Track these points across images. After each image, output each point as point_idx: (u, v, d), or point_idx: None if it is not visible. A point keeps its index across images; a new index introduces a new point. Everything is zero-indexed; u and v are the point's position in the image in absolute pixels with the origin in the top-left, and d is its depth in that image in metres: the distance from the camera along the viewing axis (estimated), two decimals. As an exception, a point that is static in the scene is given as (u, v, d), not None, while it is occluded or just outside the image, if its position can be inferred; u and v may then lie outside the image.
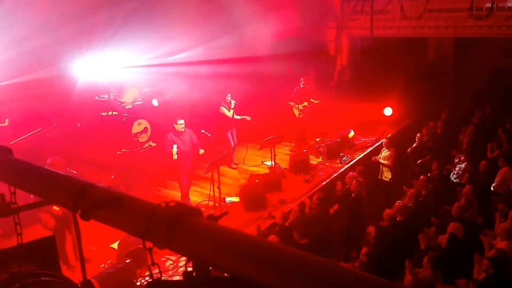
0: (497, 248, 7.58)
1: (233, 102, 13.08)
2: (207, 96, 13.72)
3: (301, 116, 14.69)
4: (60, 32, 10.90)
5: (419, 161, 12.84)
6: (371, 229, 9.35)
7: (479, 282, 6.89)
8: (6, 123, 10.69)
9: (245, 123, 13.46)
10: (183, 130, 10.81)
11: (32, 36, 10.18)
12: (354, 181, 10.58)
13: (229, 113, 13.11)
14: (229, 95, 13.13)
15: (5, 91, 10.33)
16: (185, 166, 11.04)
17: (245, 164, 13.64)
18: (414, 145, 13.37)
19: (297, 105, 14.58)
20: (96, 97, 12.55)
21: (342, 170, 12.92)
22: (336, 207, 10.54)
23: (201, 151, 11.02)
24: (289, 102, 14.77)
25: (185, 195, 11.27)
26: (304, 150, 14.14)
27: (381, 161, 12.13)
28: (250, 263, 1.40)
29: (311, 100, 14.75)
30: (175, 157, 10.67)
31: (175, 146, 10.70)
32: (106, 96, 12.50)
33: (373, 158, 12.55)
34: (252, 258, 1.40)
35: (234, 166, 13.57)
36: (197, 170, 12.11)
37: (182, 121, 10.80)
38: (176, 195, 11.49)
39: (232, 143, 13.37)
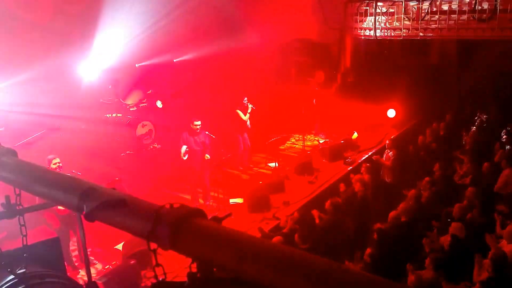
0: (497, 248, 7.56)
1: (250, 106, 13.06)
2: (214, 98, 13.77)
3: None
4: (65, 34, 10.95)
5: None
6: (376, 226, 9.30)
7: (484, 283, 6.87)
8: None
9: (252, 125, 13.41)
10: (198, 131, 10.88)
11: (36, 38, 10.22)
12: (358, 182, 10.56)
13: (245, 117, 13.11)
14: (245, 98, 13.14)
15: (8, 92, 10.35)
16: (195, 166, 11.08)
17: (253, 167, 13.61)
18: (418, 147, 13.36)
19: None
20: (101, 100, 12.57)
21: (345, 171, 12.89)
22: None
23: (207, 156, 11.05)
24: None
25: (196, 197, 11.31)
26: (308, 152, 14.17)
27: (383, 161, 12.16)
28: (254, 264, 1.41)
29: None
30: (183, 156, 10.77)
31: (184, 147, 10.77)
32: (111, 98, 12.53)
33: (375, 157, 12.56)
34: (256, 259, 1.41)
35: (241, 168, 13.56)
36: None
37: (199, 122, 10.90)
38: (181, 197, 11.52)
39: (242, 146, 13.34)
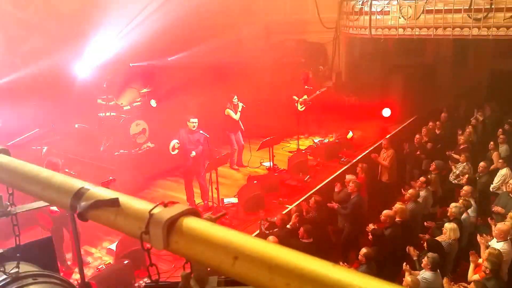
0: (492, 248, 7.58)
1: (240, 104, 12.96)
2: (207, 97, 13.73)
3: (303, 109, 15.12)
4: (58, 32, 10.91)
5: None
6: (371, 226, 9.29)
7: (479, 283, 6.88)
8: None
9: (246, 124, 13.36)
10: (194, 129, 10.80)
11: (29, 36, 10.19)
12: (351, 183, 10.56)
13: (236, 116, 12.97)
14: (235, 97, 13.01)
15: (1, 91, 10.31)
16: (189, 165, 11.03)
17: (247, 166, 13.57)
18: (413, 146, 13.36)
19: (297, 99, 14.89)
20: (99, 100, 12.54)
21: (340, 171, 12.87)
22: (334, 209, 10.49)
23: (193, 153, 10.96)
24: (293, 97, 15.13)
25: (191, 197, 11.26)
26: (303, 151, 14.15)
27: (380, 161, 12.17)
28: (249, 264, 1.39)
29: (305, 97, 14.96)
30: (171, 151, 10.72)
31: (174, 141, 10.71)
32: (105, 96, 12.50)
33: (373, 155, 12.55)
34: (251, 259, 1.39)
35: (236, 167, 13.50)
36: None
37: (195, 120, 10.81)
38: (175, 196, 11.48)
39: (235, 146, 13.30)
